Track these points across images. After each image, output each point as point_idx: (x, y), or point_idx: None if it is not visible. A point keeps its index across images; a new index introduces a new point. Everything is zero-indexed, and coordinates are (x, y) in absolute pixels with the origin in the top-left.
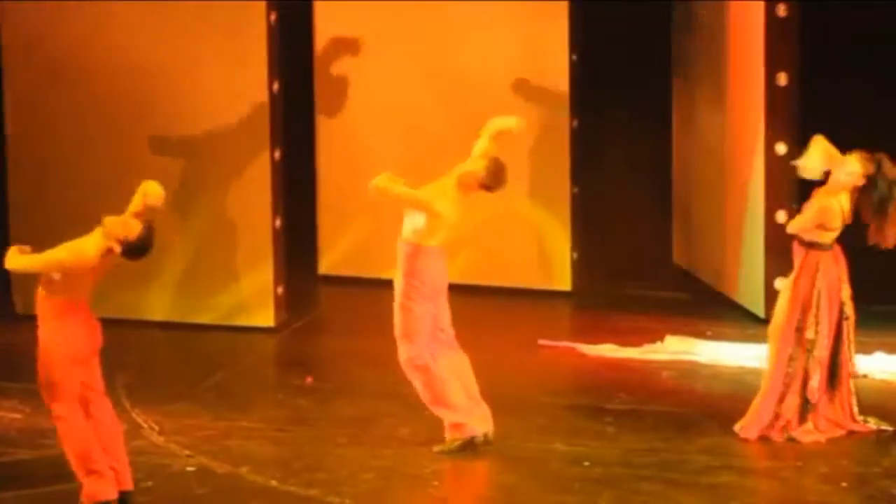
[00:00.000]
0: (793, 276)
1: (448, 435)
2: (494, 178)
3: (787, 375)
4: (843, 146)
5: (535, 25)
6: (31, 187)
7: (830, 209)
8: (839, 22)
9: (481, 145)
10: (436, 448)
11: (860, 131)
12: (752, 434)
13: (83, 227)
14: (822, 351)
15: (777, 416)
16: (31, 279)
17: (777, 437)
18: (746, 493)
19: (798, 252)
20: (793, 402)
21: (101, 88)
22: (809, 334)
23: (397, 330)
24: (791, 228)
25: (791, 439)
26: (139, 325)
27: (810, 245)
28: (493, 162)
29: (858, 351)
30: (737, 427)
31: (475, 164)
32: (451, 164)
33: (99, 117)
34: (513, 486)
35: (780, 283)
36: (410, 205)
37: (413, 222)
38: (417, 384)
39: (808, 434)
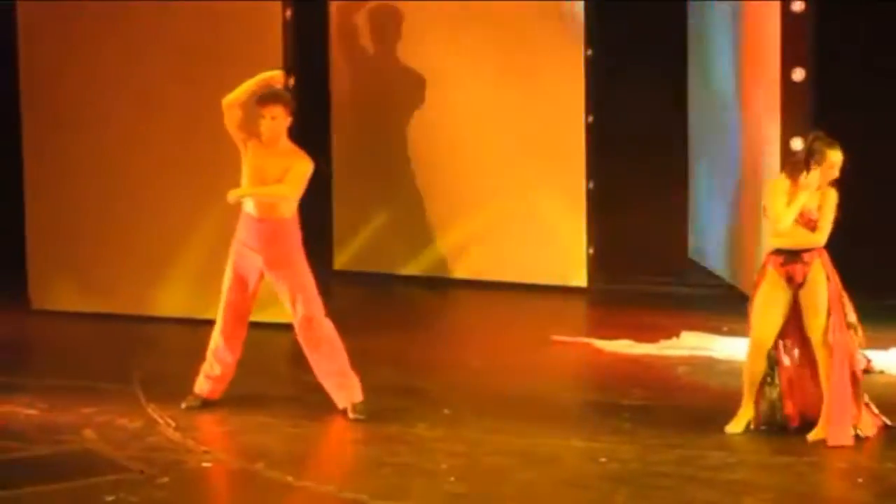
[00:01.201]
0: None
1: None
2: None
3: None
4: (856, 141)
5: (550, 21)
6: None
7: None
8: (855, 17)
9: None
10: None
11: (873, 126)
12: (848, 438)
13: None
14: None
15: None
16: (47, 274)
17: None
18: (762, 488)
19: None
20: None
21: (116, 86)
22: (851, 318)
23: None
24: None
25: (857, 436)
26: (155, 321)
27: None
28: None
29: (874, 346)
30: (815, 437)
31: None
32: (465, 156)
33: (116, 117)
34: (529, 482)
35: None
36: (267, 198)
37: None
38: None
39: (869, 428)
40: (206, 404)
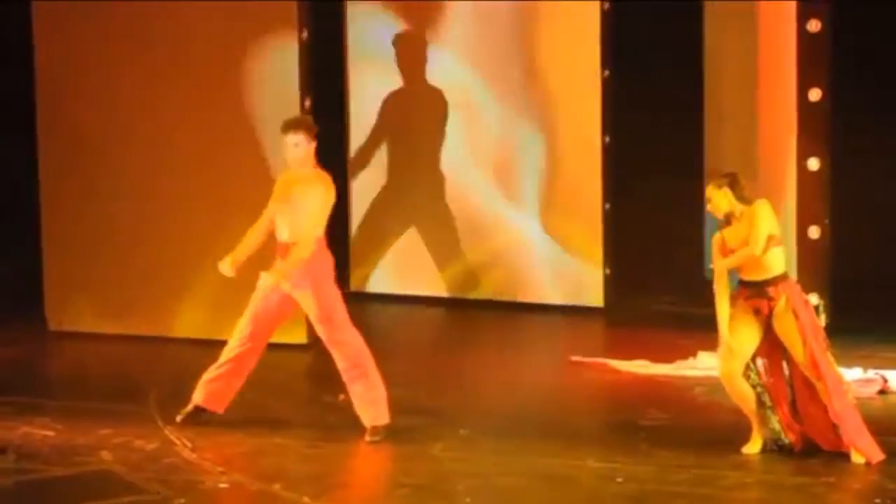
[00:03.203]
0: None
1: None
2: None
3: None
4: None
5: (567, 43)
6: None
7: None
8: (871, 36)
9: None
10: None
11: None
12: (878, 452)
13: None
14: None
15: None
16: (64, 295)
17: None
18: None
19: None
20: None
21: (134, 108)
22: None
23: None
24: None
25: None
26: (171, 342)
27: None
28: None
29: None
30: (860, 459)
31: None
32: (483, 175)
33: (133, 139)
34: (545, 502)
35: (814, 299)
36: (297, 265)
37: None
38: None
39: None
40: (200, 414)
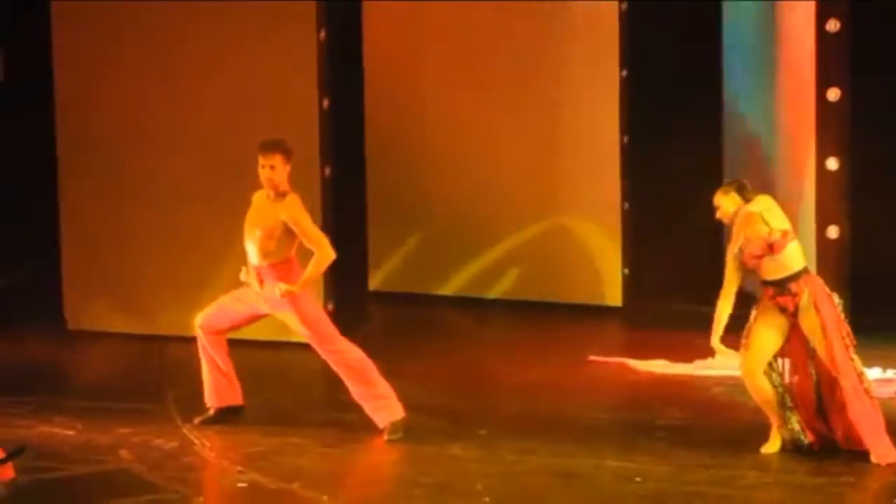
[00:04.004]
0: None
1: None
2: None
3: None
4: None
5: (585, 43)
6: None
7: None
8: (890, 36)
9: None
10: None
11: None
12: (892, 454)
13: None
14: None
15: None
16: (83, 295)
17: None
18: None
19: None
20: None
21: (152, 108)
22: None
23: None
24: None
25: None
26: (190, 341)
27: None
28: None
29: None
30: (879, 459)
31: None
32: (500, 177)
33: (151, 139)
34: (563, 501)
35: (835, 299)
36: (321, 271)
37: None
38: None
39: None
40: (224, 414)
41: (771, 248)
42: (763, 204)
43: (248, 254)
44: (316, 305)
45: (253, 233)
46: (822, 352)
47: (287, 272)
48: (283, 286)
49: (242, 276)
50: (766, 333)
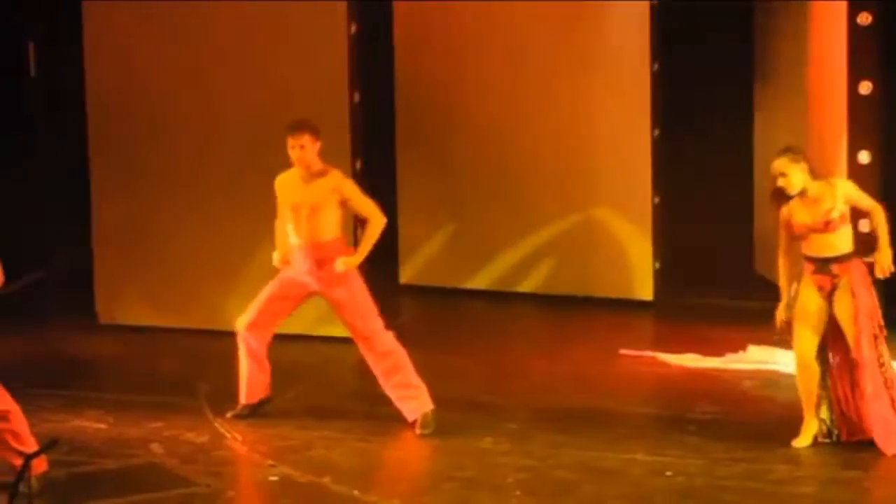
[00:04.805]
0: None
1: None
2: None
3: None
4: None
5: (616, 33)
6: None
7: None
8: None
9: None
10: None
11: None
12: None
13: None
14: None
15: None
16: (114, 288)
17: None
18: (828, 502)
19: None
20: None
21: (182, 99)
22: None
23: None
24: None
25: None
26: (221, 335)
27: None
28: None
29: None
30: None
31: None
32: (531, 170)
33: (182, 130)
34: (595, 496)
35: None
36: (373, 240)
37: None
38: None
39: None
40: (255, 408)
41: (826, 226)
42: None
43: (292, 235)
44: (364, 287)
45: (300, 212)
46: (849, 337)
47: (340, 247)
48: (344, 259)
49: (277, 262)
50: (813, 311)
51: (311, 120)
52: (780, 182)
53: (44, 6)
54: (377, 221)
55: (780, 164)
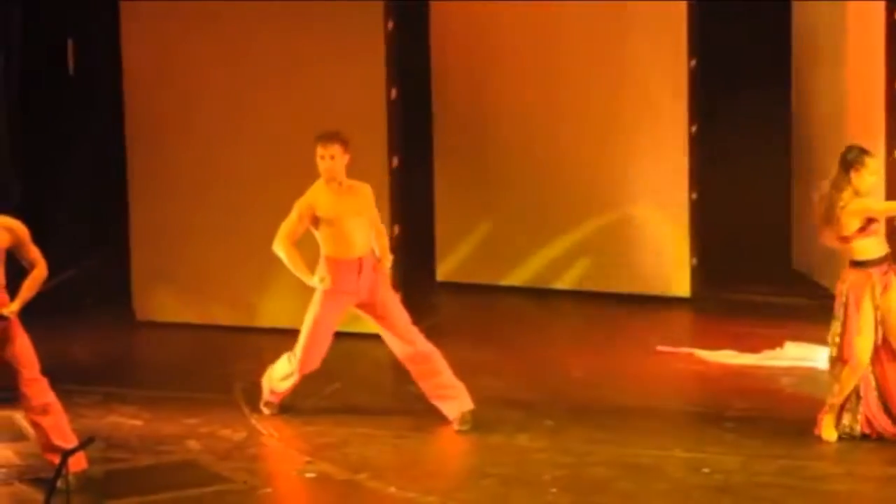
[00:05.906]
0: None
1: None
2: None
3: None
4: None
5: (653, 29)
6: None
7: None
8: None
9: None
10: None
11: None
12: None
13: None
14: None
15: None
16: (151, 286)
17: None
18: (865, 499)
19: None
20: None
21: (218, 98)
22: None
23: None
24: None
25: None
26: (257, 331)
27: None
28: None
29: None
30: None
31: None
32: (568, 167)
33: (218, 127)
34: (631, 493)
35: None
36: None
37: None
38: None
39: None
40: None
41: (864, 229)
42: None
43: (350, 246)
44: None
45: (359, 223)
46: (891, 335)
47: (374, 259)
48: (385, 263)
49: (319, 283)
50: (868, 332)
51: (342, 132)
52: (874, 179)
53: (80, 3)
54: (385, 236)
55: (875, 162)
